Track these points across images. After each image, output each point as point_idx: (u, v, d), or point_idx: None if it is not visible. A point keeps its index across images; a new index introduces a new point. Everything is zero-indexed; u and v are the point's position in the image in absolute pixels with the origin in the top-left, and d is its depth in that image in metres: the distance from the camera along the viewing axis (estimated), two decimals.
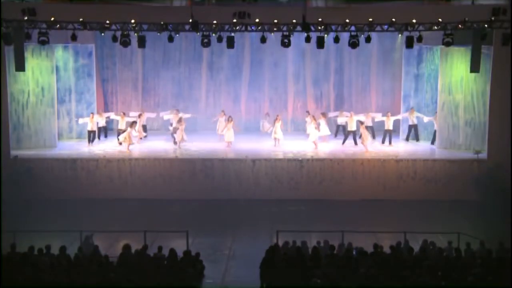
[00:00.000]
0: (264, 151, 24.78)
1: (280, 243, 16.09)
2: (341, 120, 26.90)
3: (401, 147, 25.75)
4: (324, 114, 26.58)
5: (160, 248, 15.36)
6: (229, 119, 25.69)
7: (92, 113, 25.83)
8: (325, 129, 26.02)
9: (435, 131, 25.78)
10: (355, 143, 25.71)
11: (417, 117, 26.23)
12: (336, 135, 27.27)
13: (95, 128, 25.73)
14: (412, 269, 13.19)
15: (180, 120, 25.48)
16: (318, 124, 25.60)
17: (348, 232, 17.35)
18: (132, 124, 24.91)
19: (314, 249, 15.10)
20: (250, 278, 15.06)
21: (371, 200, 22.95)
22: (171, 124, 26.36)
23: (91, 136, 25.60)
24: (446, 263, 13.76)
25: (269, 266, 14.12)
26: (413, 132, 26.50)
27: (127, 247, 14.92)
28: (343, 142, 25.85)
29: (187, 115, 26.67)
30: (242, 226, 20.87)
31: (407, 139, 26.57)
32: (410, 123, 26.41)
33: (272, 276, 13.75)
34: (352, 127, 25.75)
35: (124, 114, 26.25)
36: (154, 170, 23.43)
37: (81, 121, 25.93)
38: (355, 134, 25.82)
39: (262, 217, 21.69)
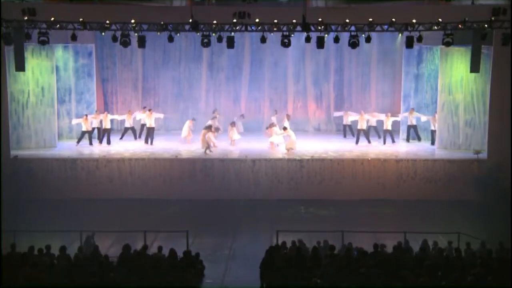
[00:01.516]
0: (264, 151, 24.77)
1: (280, 243, 16.07)
2: (347, 120, 26.96)
3: (401, 147, 25.76)
4: (288, 116, 26.62)
5: (160, 248, 15.35)
6: (233, 124, 25.89)
7: (86, 114, 25.71)
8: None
9: (432, 131, 25.89)
10: (368, 141, 25.91)
11: (416, 117, 26.27)
12: (345, 136, 27.30)
13: (89, 129, 25.61)
14: (412, 269, 13.19)
15: (214, 118, 25.30)
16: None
17: (348, 232, 17.36)
18: (209, 127, 24.68)
19: (314, 249, 15.09)
20: (250, 278, 15.05)
21: (371, 200, 22.94)
22: (143, 125, 26.41)
23: (87, 136, 25.55)
24: (446, 263, 13.76)
25: (269, 266, 14.11)
26: (413, 132, 26.51)
27: (127, 247, 14.91)
28: (357, 142, 25.91)
29: (160, 115, 26.71)
30: (242, 226, 20.87)
31: (407, 140, 26.56)
32: (409, 123, 26.46)
33: (272, 276, 13.74)
34: (362, 125, 25.84)
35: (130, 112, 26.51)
36: (154, 170, 23.43)
37: (74, 121, 26.00)
38: (367, 133, 25.97)
39: (262, 217, 21.70)
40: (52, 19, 21.15)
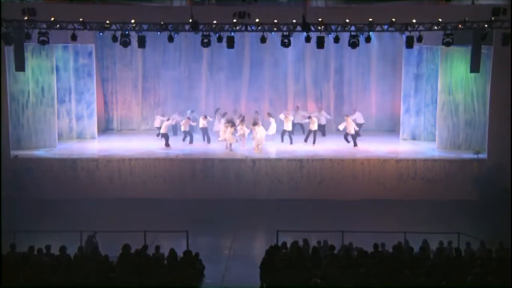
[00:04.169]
0: (264, 152, 24.76)
1: (280, 243, 16.08)
2: (298, 119, 26.95)
3: (401, 147, 25.76)
4: (269, 114, 26.59)
5: (159, 248, 15.36)
6: (242, 119, 25.79)
7: (188, 117, 26.05)
8: (272, 129, 26.10)
9: (309, 131, 25.82)
10: (291, 142, 25.88)
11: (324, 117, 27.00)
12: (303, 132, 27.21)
13: (186, 129, 25.79)
14: (412, 269, 13.20)
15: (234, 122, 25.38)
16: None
17: (348, 232, 17.36)
18: (232, 124, 24.79)
19: (314, 249, 15.10)
20: (250, 278, 15.07)
21: (371, 200, 22.95)
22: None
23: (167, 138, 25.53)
24: (446, 263, 13.77)
25: (269, 266, 14.12)
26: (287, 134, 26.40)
27: (127, 247, 14.92)
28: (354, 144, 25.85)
29: (209, 119, 26.50)
30: (242, 226, 20.88)
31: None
32: (318, 122, 26.41)
33: (272, 276, 13.75)
34: (287, 127, 25.99)
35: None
36: (154, 170, 23.44)
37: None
38: (290, 134, 26.09)
39: (262, 217, 21.70)
40: (52, 19, 21.16)
